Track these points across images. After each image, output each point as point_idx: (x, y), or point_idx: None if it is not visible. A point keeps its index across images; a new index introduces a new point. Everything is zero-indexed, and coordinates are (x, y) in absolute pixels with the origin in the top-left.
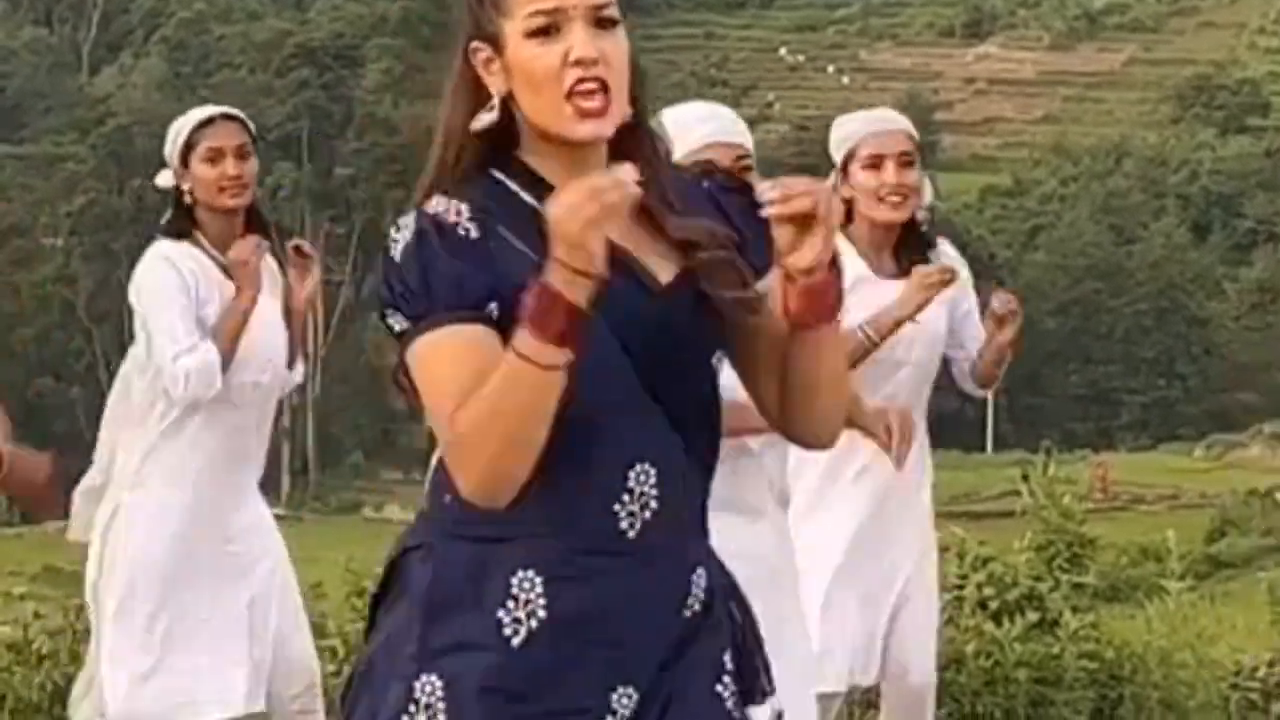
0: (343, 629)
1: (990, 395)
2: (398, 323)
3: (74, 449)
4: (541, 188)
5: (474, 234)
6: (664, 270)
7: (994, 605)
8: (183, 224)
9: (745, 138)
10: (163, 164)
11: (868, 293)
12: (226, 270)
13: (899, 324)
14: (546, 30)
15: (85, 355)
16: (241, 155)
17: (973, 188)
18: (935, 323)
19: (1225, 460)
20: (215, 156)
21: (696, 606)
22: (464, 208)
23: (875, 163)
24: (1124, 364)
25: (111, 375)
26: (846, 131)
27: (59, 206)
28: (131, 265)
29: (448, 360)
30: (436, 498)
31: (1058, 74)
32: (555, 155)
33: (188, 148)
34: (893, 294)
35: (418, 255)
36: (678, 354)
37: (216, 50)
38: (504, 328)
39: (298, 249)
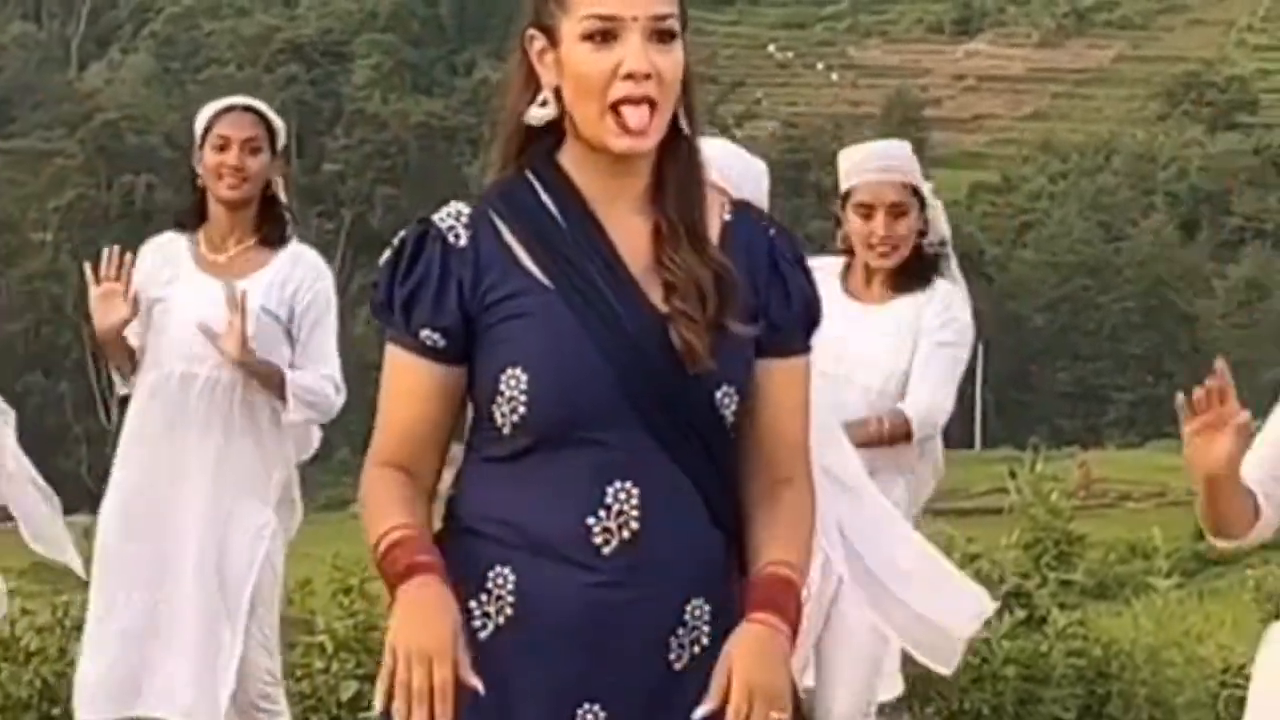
0: (330, 625)
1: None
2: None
3: (63, 444)
4: (571, 195)
5: (461, 241)
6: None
7: None
8: (189, 214)
9: (739, 174)
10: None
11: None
12: (212, 265)
13: None
14: (603, 35)
15: (74, 351)
16: (249, 148)
17: (961, 185)
18: (892, 356)
19: None
20: (223, 145)
21: (697, 638)
22: (466, 212)
23: (867, 212)
24: (1112, 361)
25: (99, 370)
26: (849, 166)
27: (47, 202)
28: None
29: (395, 387)
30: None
31: (1047, 71)
32: (594, 163)
33: (205, 134)
34: (866, 319)
35: (388, 270)
36: (670, 379)
37: (205, 46)
38: (452, 352)
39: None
